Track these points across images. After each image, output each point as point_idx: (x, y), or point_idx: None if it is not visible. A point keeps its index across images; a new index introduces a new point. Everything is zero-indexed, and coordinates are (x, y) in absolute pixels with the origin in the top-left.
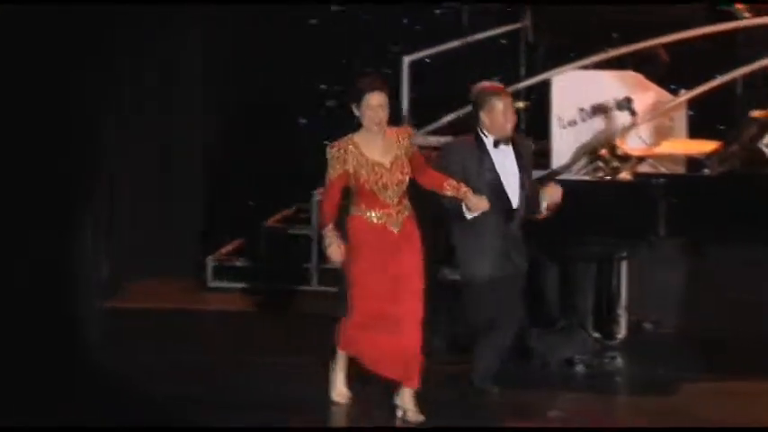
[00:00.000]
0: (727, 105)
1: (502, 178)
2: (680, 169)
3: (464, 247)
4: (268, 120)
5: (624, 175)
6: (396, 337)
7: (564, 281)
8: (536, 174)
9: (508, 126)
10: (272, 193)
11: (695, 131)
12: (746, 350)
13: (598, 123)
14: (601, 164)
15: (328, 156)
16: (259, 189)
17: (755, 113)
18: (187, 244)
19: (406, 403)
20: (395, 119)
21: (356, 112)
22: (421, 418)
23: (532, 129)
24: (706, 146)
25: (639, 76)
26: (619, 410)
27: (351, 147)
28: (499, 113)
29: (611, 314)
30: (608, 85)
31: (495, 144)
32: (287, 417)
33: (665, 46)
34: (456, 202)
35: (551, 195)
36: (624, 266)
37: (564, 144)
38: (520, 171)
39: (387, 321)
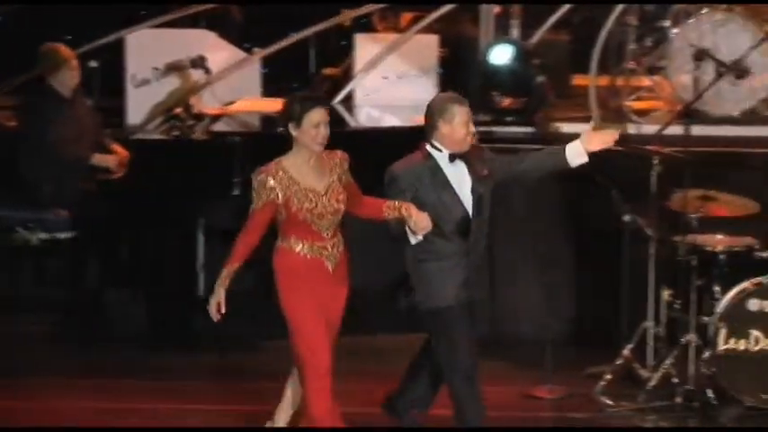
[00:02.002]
0: (300, 63)
1: (460, 196)
2: (255, 127)
3: (425, 275)
4: None
5: (199, 134)
6: None
7: (146, 240)
8: (110, 133)
9: (468, 139)
10: None
11: (269, 89)
12: None
13: (172, 82)
14: (176, 123)
15: (253, 184)
16: None
17: (328, 71)
18: None
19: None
20: None
21: (293, 132)
22: None
23: (106, 87)
24: (280, 104)
25: (213, 35)
26: (197, 369)
27: (280, 172)
28: (461, 124)
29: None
30: (182, 43)
31: (451, 159)
32: None
33: (238, 4)
34: (401, 228)
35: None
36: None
37: (138, 103)
38: (473, 184)
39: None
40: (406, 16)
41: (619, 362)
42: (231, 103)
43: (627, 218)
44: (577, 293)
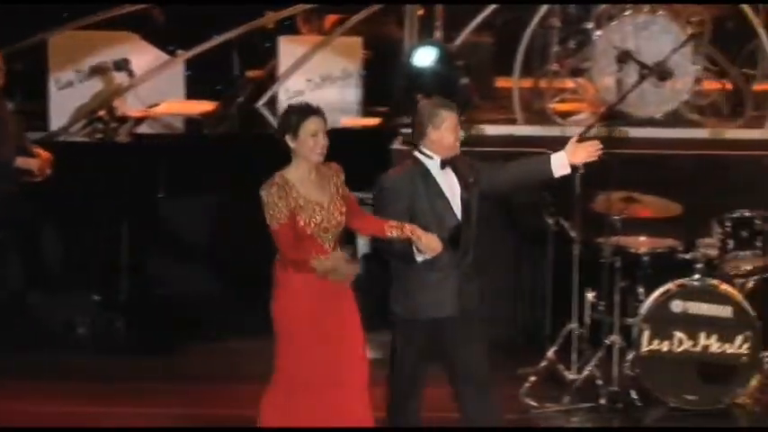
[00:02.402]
0: (224, 65)
1: (451, 204)
2: (179, 129)
3: (407, 280)
4: None
5: (123, 137)
6: (341, 414)
7: (70, 242)
8: (33, 136)
9: (457, 145)
10: None
11: (193, 92)
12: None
13: (95, 84)
14: (99, 125)
15: (266, 199)
16: None
17: (251, 73)
18: None
19: None
20: None
21: (291, 144)
22: None
23: (29, 90)
24: (204, 106)
25: (136, 37)
26: (120, 371)
27: (287, 184)
28: (449, 129)
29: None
30: (105, 45)
31: (443, 165)
32: None
33: (161, 6)
34: (406, 244)
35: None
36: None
37: (61, 106)
38: (461, 192)
39: (327, 392)
40: (330, 18)
41: (543, 363)
42: (155, 105)
43: (550, 220)
44: (502, 295)
